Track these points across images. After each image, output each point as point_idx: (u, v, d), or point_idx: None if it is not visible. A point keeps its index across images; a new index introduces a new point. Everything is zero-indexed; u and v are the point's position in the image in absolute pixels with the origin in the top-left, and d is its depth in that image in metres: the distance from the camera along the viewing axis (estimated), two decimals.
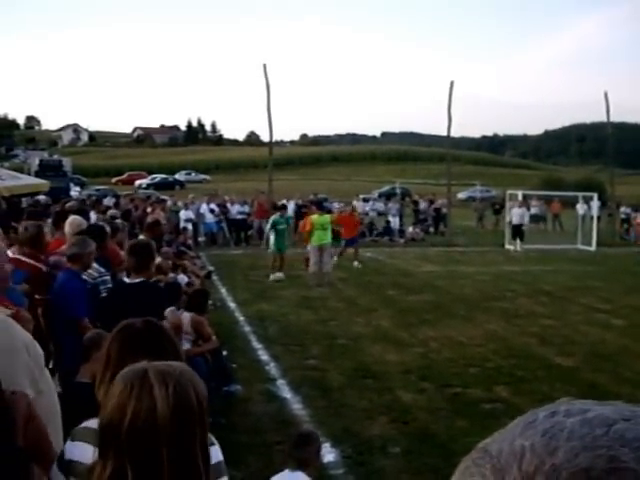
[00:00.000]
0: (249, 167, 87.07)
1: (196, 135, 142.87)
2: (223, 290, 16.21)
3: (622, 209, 34.96)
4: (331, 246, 17.81)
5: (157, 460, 1.77)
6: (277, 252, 17.77)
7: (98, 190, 44.65)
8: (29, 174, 32.38)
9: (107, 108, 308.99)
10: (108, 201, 28.60)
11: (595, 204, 31.02)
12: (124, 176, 71.97)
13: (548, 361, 10.33)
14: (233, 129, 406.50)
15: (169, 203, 28.01)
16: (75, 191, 39.02)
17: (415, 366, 9.88)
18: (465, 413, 7.90)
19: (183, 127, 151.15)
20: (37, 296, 6.16)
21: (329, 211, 22.45)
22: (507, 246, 27.57)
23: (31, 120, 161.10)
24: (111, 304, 6.05)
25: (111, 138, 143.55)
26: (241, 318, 13.17)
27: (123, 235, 10.07)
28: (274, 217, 18.35)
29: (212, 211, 27.42)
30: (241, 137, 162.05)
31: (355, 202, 34.87)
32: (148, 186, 59.85)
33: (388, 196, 46.81)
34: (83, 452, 2.42)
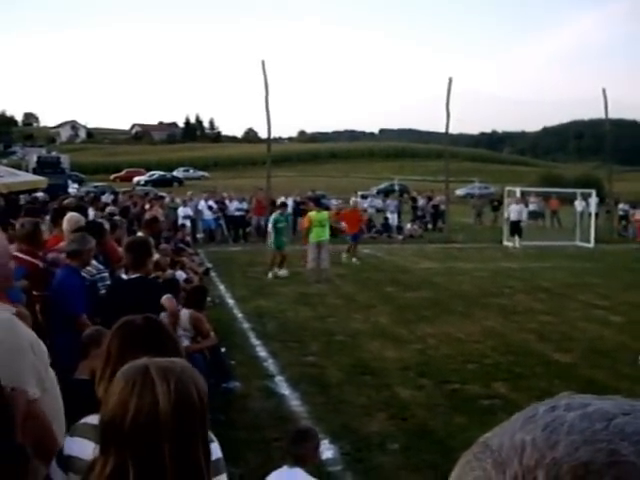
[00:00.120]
0: (247, 164, 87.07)
1: (194, 132, 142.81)
2: (222, 287, 16.21)
3: (620, 206, 34.98)
4: (329, 243, 17.84)
5: (159, 456, 1.77)
6: (277, 250, 17.77)
7: (96, 187, 44.69)
8: (27, 171, 32.40)
9: (105, 105, 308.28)
10: (106, 198, 28.62)
11: (593, 201, 31.04)
12: (122, 173, 71.95)
13: (546, 357, 10.35)
14: (231, 126, 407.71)
15: (167, 200, 28.04)
16: (73, 188, 39.03)
17: (413, 362, 9.89)
18: (463, 409, 7.91)
19: (181, 124, 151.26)
20: (35, 292, 6.16)
21: (327, 208, 22.49)
22: (505, 243, 27.59)
23: (29, 117, 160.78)
24: (109, 301, 6.06)
25: (109, 135, 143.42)
26: (239, 315, 13.18)
27: (121, 232, 10.07)
28: (275, 215, 18.36)
29: (210, 208, 27.40)
30: (239, 134, 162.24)
31: (353, 199, 34.87)
32: (146, 183, 59.74)
33: (386, 193, 46.85)
34: (82, 448, 2.42)
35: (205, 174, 77.18)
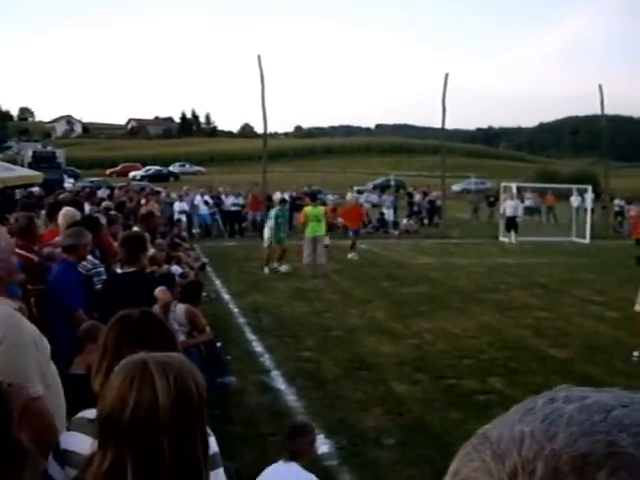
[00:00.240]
0: (243, 159, 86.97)
1: (190, 127, 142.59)
2: (217, 282, 16.21)
3: (616, 202, 35.05)
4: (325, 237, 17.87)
5: (158, 451, 1.77)
6: (277, 243, 17.76)
7: (92, 182, 44.55)
8: (22, 166, 32.30)
9: (101, 99, 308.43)
10: (102, 193, 28.59)
11: (589, 197, 31.05)
12: (118, 168, 71.72)
13: (542, 353, 10.37)
14: (227, 121, 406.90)
15: (163, 195, 28.03)
16: (69, 183, 38.94)
17: (409, 358, 9.90)
18: (459, 404, 7.93)
19: (177, 119, 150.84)
20: (29, 286, 6.16)
21: (323, 203, 22.54)
22: (501, 238, 27.63)
23: (24, 112, 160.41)
24: (104, 295, 6.06)
25: (105, 130, 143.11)
26: (235, 310, 13.18)
27: (117, 227, 10.06)
28: (276, 211, 18.41)
29: (206, 203, 27.41)
30: (235, 129, 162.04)
31: (353, 194, 34.92)
32: (142, 178, 59.73)
33: (382, 188, 46.84)
34: (79, 442, 2.42)
35: (201, 169, 77.07)
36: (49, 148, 48.95)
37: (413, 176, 59.84)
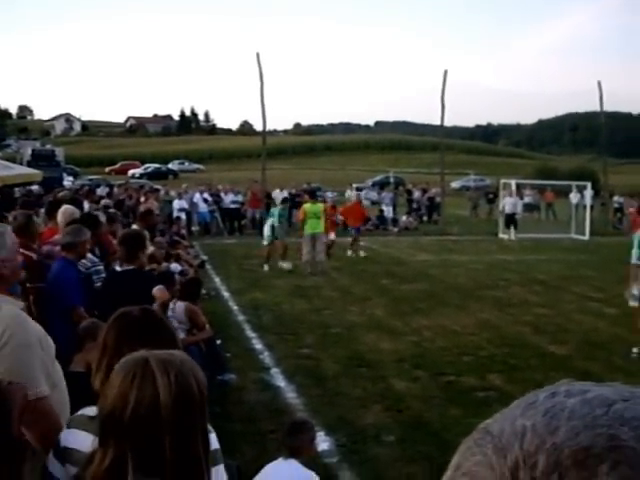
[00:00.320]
0: (242, 156, 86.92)
1: (189, 124, 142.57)
2: (217, 279, 16.21)
3: (615, 198, 35.04)
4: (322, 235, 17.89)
5: (159, 449, 1.77)
6: (276, 239, 17.78)
7: (91, 180, 44.54)
8: (21, 164, 32.26)
9: (100, 98, 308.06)
10: (101, 191, 28.61)
11: (588, 193, 31.06)
12: (117, 166, 71.76)
13: (541, 349, 10.37)
14: (226, 118, 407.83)
15: (162, 193, 28.05)
16: (68, 181, 38.91)
17: (409, 354, 9.91)
18: (459, 401, 7.93)
19: (176, 116, 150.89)
20: (28, 285, 6.16)
21: (322, 200, 22.58)
22: (500, 235, 27.64)
23: (23, 110, 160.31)
24: (104, 293, 6.06)
25: (104, 128, 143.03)
26: (235, 307, 13.18)
27: (117, 225, 10.06)
28: (279, 210, 18.48)
29: (205, 200, 27.41)
30: (234, 126, 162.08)
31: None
32: (141, 176, 59.62)
33: (382, 185, 46.79)
34: (79, 440, 2.42)
35: (200, 167, 77.08)
36: (48, 146, 48.81)
37: (412, 173, 59.88)
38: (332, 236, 19.90)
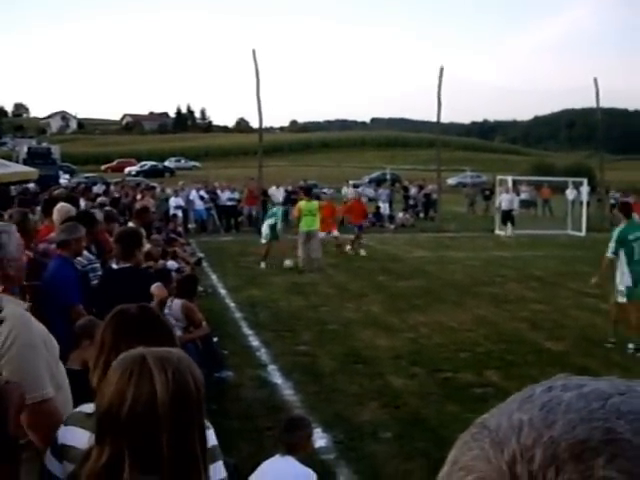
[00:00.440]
0: (239, 154, 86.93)
1: (185, 122, 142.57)
2: (213, 277, 16.21)
3: (611, 194, 35.09)
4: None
5: (156, 446, 1.77)
6: (277, 239, 17.78)
7: (87, 178, 44.53)
8: (17, 162, 32.20)
9: (96, 95, 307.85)
10: (98, 188, 28.61)
11: (585, 189, 31.11)
12: (113, 163, 71.62)
13: (538, 345, 10.39)
14: (223, 116, 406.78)
15: (158, 190, 28.00)
16: (64, 179, 38.89)
17: (406, 351, 9.91)
18: (456, 397, 7.94)
19: (172, 114, 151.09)
20: (25, 283, 6.14)
21: (318, 197, 22.56)
22: (497, 231, 27.67)
23: (19, 108, 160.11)
24: (100, 290, 6.05)
25: (100, 125, 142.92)
26: (232, 304, 13.18)
27: (115, 224, 10.05)
28: (282, 210, 18.67)
29: (202, 198, 27.39)
30: (231, 124, 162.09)
31: (345, 188, 34.94)
32: (138, 173, 59.51)
33: (378, 182, 46.77)
34: (77, 437, 2.42)
35: (196, 164, 76.95)
36: (44, 144, 48.75)
37: (409, 170, 59.81)
38: (335, 232, 19.95)
